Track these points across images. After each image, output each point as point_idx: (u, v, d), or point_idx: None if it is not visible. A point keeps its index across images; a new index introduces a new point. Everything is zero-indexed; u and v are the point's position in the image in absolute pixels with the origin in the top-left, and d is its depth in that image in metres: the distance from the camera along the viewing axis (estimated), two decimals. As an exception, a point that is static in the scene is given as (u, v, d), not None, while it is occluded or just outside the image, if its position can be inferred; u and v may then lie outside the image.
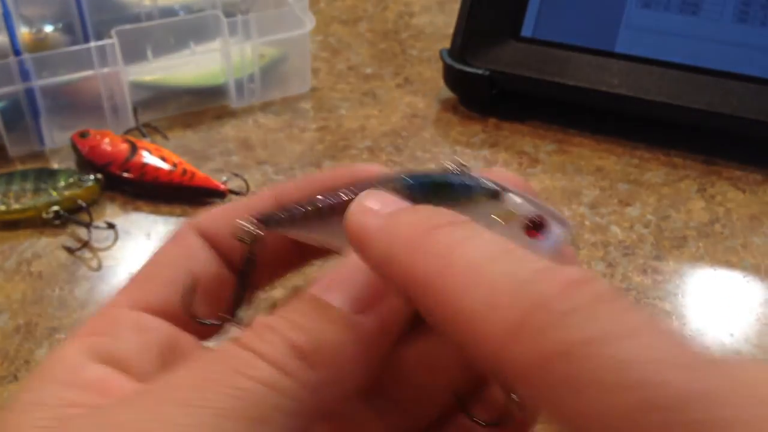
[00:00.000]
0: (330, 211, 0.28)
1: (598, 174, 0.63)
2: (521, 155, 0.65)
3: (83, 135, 0.62)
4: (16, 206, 0.58)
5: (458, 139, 0.67)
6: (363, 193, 0.25)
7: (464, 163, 0.28)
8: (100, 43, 0.63)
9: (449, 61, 0.68)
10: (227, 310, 0.29)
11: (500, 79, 0.67)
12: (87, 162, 0.61)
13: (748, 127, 0.61)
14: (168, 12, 0.73)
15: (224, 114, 0.70)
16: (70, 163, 0.63)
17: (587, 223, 0.58)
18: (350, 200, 0.26)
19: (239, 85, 0.70)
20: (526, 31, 0.67)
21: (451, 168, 0.28)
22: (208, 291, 0.29)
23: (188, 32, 0.68)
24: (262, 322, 0.24)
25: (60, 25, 0.70)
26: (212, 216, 0.30)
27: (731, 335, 0.49)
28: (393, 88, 0.74)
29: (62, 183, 0.59)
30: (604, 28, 0.66)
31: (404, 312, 0.25)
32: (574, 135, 0.67)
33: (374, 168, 0.29)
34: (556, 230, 0.27)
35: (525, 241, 0.26)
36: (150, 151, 0.61)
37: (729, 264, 0.54)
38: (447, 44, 0.70)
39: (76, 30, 0.69)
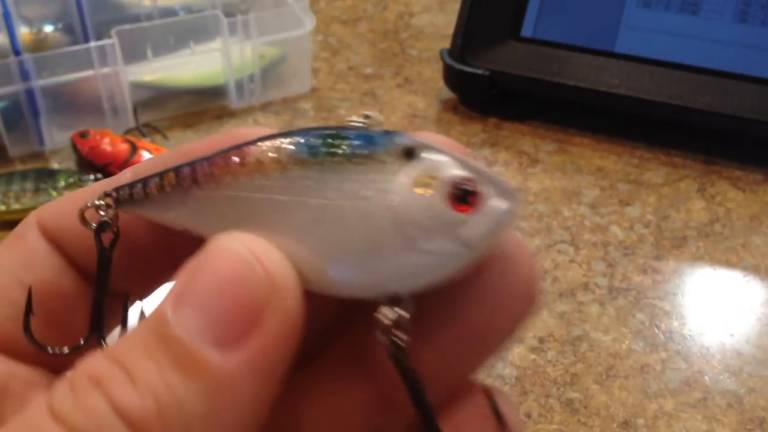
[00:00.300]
0: (193, 178, 0.21)
1: (598, 174, 0.63)
2: (521, 155, 0.65)
3: (83, 135, 0.62)
4: (16, 206, 0.58)
5: (458, 138, 0.67)
6: (225, 238, 0.19)
7: (371, 114, 0.22)
8: (100, 43, 0.63)
9: (449, 61, 0.68)
10: (90, 330, 0.23)
11: (500, 79, 0.67)
12: (87, 162, 0.61)
13: (748, 127, 0.61)
14: (168, 12, 0.73)
15: (224, 114, 0.70)
16: (70, 164, 0.63)
17: (587, 223, 0.58)
18: (219, 165, 0.21)
19: (239, 86, 0.70)
20: (526, 31, 0.67)
21: (355, 122, 0.22)
22: (57, 308, 0.23)
23: (188, 32, 0.68)
24: (84, 371, 0.18)
25: (60, 25, 0.70)
26: (58, 208, 0.24)
27: (731, 335, 0.49)
28: (393, 88, 0.73)
29: (62, 183, 0.59)
30: (603, 28, 0.66)
31: (290, 341, 0.19)
32: (574, 135, 0.67)
33: (259, 130, 0.23)
34: (494, 203, 0.20)
35: (449, 219, 0.20)
36: (150, 152, 0.61)
37: (729, 264, 0.54)
38: (447, 44, 0.70)
39: (76, 30, 0.69)
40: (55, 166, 0.63)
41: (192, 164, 0.22)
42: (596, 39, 0.65)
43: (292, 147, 0.21)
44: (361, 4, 0.88)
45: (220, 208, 0.21)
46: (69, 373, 0.18)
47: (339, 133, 0.21)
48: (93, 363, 0.18)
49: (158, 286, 0.25)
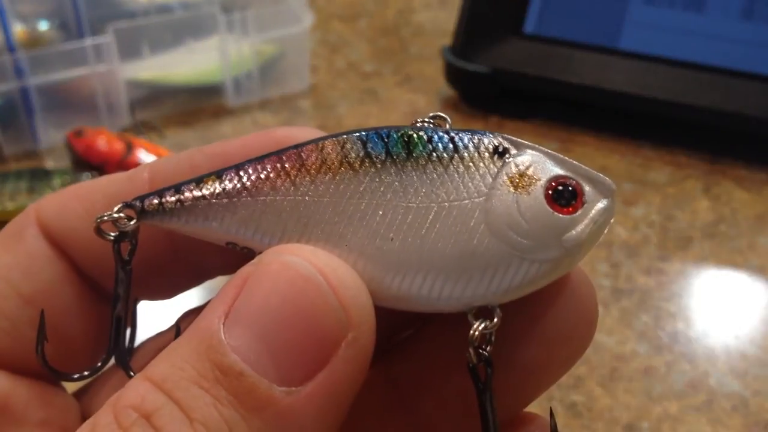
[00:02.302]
0: (242, 183, 0.19)
1: (602, 173, 0.62)
2: (523, 154, 0.64)
3: (78, 133, 0.62)
4: (10, 206, 0.57)
5: (459, 137, 0.66)
6: (276, 251, 0.17)
7: (441, 114, 0.20)
8: (95, 40, 0.63)
9: (450, 58, 0.68)
10: (110, 347, 0.20)
11: (502, 77, 0.66)
12: (82, 161, 0.61)
13: (753, 126, 0.61)
14: (164, 9, 0.72)
15: (221, 112, 0.69)
16: (65, 162, 0.63)
17: (590, 223, 0.57)
18: (275, 168, 0.18)
19: (237, 83, 0.69)
20: (529, 27, 0.67)
21: (424, 122, 0.20)
22: (57, 321, 0.21)
23: (185, 29, 0.67)
24: (131, 403, 0.16)
25: (55, 23, 0.69)
26: (61, 205, 0.21)
27: (736, 337, 0.48)
28: (393, 86, 0.73)
29: (57, 182, 0.58)
30: (607, 24, 0.65)
31: (360, 376, 0.17)
32: (578, 133, 0.66)
33: (306, 130, 0.21)
34: (595, 201, 0.19)
35: (553, 223, 0.18)
36: (146, 150, 0.61)
37: (734, 264, 0.53)
38: (448, 41, 0.69)
39: (72, 27, 0.69)
40: (50, 164, 0.63)
41: (238, 168, 0.19)
42: (600, 36, 0.65)
43: (364, 146, 0.18)
44: (361, 0, 0.87)
45: (278, 215, 0.19)
46: (112, 401, 0.16)
47: (418, 131, 0.19)
48: (138, 391, 0.16)
49: (169, 290, 0.23)
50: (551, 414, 0.21)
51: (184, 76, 0.69)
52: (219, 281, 0.24)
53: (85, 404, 0.24)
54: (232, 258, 0.19)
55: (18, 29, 0.66)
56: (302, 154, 0.19)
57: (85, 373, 0.21)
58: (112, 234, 0.20)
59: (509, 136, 0.19)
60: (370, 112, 0.69)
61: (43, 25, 0.68)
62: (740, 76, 0.61)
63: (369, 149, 0.19)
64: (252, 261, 0.18)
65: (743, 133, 0.62)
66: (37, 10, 0.68)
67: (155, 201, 0.19)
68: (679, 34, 0.63)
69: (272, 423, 0.16)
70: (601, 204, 0.19)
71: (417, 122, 0.20)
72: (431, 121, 0.20)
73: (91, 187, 0.21)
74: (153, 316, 0.25)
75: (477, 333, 0.19)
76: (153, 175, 0.21)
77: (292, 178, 0.19)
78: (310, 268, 0.17)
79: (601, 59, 0.64)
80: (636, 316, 0.49)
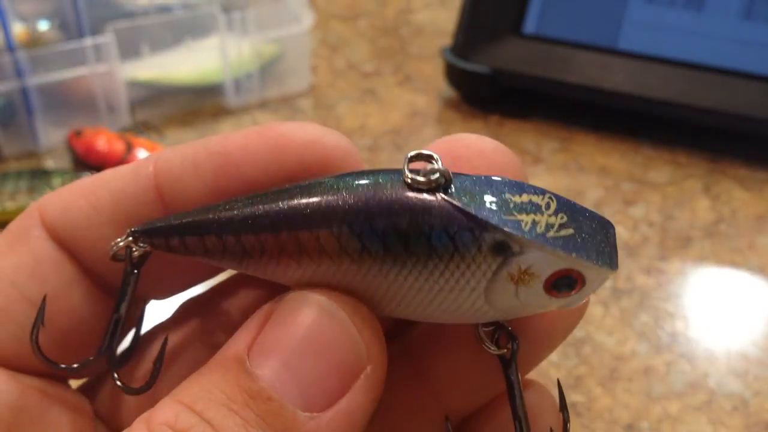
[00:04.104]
0: (243, 251, 0.19)
1: (601, 173, 0.62)
2: (524, 154, 0.64)
3: (78, 133, 0.62)
4: (10, 206, 0.57)
5: (459, 137, 0.66)
6: (290, 299, 0.18)
7: (429, 153, 0.19)
8: (95, 40, 0.63)
9: (450, 58, 0.67)
10: (104, 346, 0.21)
11: (502, 77, 0.66)
12: (82, 161, 0.61)
13: (753, 126, 0.60)
14: (164, 8, 0.72)
15: (221, 112, 0.69)
16: (65, 162, 0.63)
17: (590, 222, 0.57)
18: (272, 247, 0.19)
19: (237, 83, 0.69)
20: (529, 27, 0.66)
21: (412, 172, 0.19)
22: (66, 323, 0.21)
23: (185, 29, 0.67)
24: (165, 420, 0.17)
25: (55, 23, 0.69)
26: (65, 203, 0.21)
27: (736, 337, 0.48)
28: (393, 86, 0.73)
29: (57, 182, 0.58)
30: (607, 24, 0.65)
31: (376, 402, 0.19)
32: (578, 133, 0.66)
33: (306, 127, 0.21)
34: (595, 279, 0.19)
35: (547, 302, 0.19)
36: (146, 150, 0.61)
37: (735, 264, 0.53)
38: (448, 41, 0.69)
39: (72, 27, 0.68)
40: (50, 164, 0.63)
41: (237, 234, 0.19)
42: (599, 36, 0.65)
43: (360, 241, 0.19)
44: (361, 0, 0.87)
45: (284, 270, 0.19)
46: (144, 417, 0.17)
47: (415, 231, 0.18)
48: (172, 411, 0.17)
49: (177, 288, 0.23)
50: (559, 387, 0.23)
51: (184, 76, 0.69)
52: (226, 274, 0.24)
53: (97, 405, 0.24)
54: None
55: (18, 29, 0.66)
56: (300, 239, 0.19)
57: (75, 366, 0.21)
58: (125, 257, 0.20)
59: (508, 230, 0.18)
60: (370, 112, 0.69)
61: (43, 25, 0.68)
62: (740, 76, 0.61)
63: (366, 244, 0.19)
64: (275, 299, 0.19)
65: (743, 133, 0.62)
66: (37, 10, 0.68)
67: (163, 242, 0.20)
68: (679, 34, 0.63)
69: None
70: (601, 279, 0.19)
71: (407, 169, 0.19)
72: (420, 171, 0.19)
73: (96, 182, 0.21)
74: (150, 309, 0.25)
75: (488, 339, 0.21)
76: (158, 170, 0.21)
77: (296, 259, 0.19)
78: (334, 305, 0.18)
79: (600, 59, 0.64)
80: (636, 316, 0.49)
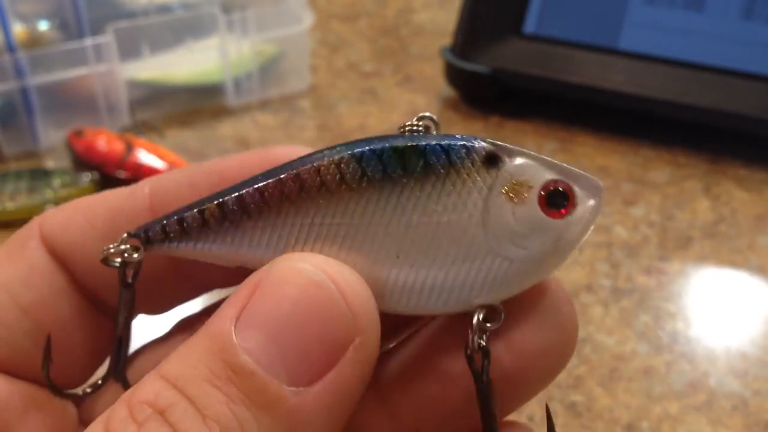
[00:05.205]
0: (243, 209, 0.19)
1: (601, 173, 0.62)
2: (523, 154, 0.64)
3: (78, 133, 0.62)
4: (10, 206, 0.57)
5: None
6: (282, 261, 0.18)
7: (427, 115, 0.20)
8: (95, 40, 0.63)
9: (450, 58, 0.67)
10: (110, 370, 0.21)
11: (502, 77, 0.66)
12: (82, 161, 0.61)
13: (753, 126, 0.60)
14: (164, 9, 0.72)
15: (221, 112, 0.69)
16: (65, 162, 0.63)
17: (590, 222, 0.57)
18: (274, 192, 0.19)
19: (237, 83, 0.69)
20: (529, 27, 0.67)
21: (413, 128, 0.20)
22: (53, 331, 0.21)
23: (185, 29, 0.67)
24: (146, 398, 0.16)
25: (55, 23, 0.69)
26: (64, 219, 0.22)
27: (736, 337, 0.48)
28: (393, 86, 0.73)
29: (57, 182, 0.58)
30: (607, 24, 0.65)
31: (365, 378, 0.18)
32: (578, 133, 0.66)
33: (296, 149, 0.21)
34: (585, 202, 0.20)
35: (547, 227, 0.19)
36: (146, 150, 0.61)
37: (734, 264, 0.53)
38: (448, 41, 0.69)
39: (72, 27, 0.69)
40: (50, 164, 0.63)
41: (238, 192, 0.19)
42: (600, 36, 0.65)
43: (360, 166, 0.19)
44: (361, 0, 0.87)
45: (282, 237, 0.19)
46: (125, 397, 0.17)
47: (411, 146, 0.19)
48: (153, 389, 0.17)
49: (168, 304, 0.23)
50: (547, 412, 0.22)
51: (184, 76, 0.69)
52: (218, 293, 0.24)
53: (81, 409, 0.24)
54: (232, 271, 0.19)
55: (18, 29, 0.66)
56: (301, 175, 0.19)
57: (88, 390, 0.22)
58: (118, 260, 0.20)
59: (497, 142, 0.19)
60: (370, 112, 0.69)
61: (43, 25, 0.68)
62: (740, 76, 0.61)
63: (365, 169, 0.19)
64: (263, 267, 0.18)
65: (743, 133, 0.62)
66: (37, 10, 0.68)
67: (159, 230, 0.20)
68: (679, 34, 0.63)
69: (281, 421, 0.17)
70: (591, 203, 0.19)
71: (405, 127, 0.20)
72: (419, 124, 0.20)
73: (94, 201, 0.22)
74: (146, 322, 0.25)
75: (476, 326, 0.19)
76: (154, 191, 0.22)
77: (293, 201, 0.19)
78: (322, 275, 0.18)
79: (600, 59, 0.64)
80: (636, 316, 0.49)
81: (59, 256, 0.22)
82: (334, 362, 0.17)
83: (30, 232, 0.22)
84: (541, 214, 0.19)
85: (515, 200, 0.19)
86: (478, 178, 0.19)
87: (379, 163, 0.19)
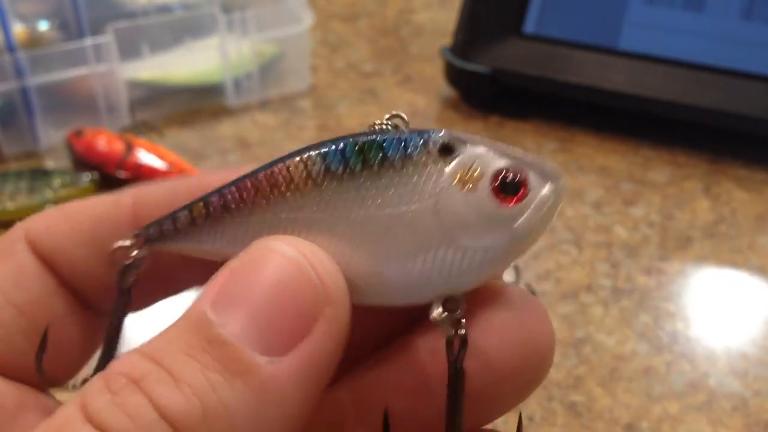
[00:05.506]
0: (224, 206, 0.20)
1: (601, 173, 0.62)
2: (523, 154, 0.64)
3: (78, 133, 0.62)
4: (10, 206, 0.57)
5: (459, 137, 0.66)
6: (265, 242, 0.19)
7: (398, 113, 0.21)
8: (95, 40, 0.63)
9: (450, 58, 0.67)
10: (99, 364, 0.22)
11: (502, 77, 0.66)
12: (82, 161, 0.61)
13: (753, 126, 0.60)
14: (164, 9, 0.72)
15: (221, 112, 0.69)
16: (65, 162, 0.63)
17: (591, 223, 0.57)
18: (249, 189, 0.20)
19: (237, 83, 0.69)
20: (529, 27, 0.66)
21: (382, 125, 0.21)
22: (50, 333, 0.22)
23: (185, 29, 0.67)
24: (121, 370, 0.17)
25: (55, 23, 0.69)
26: (48, 224, 0.22)
27: (736, 337, 0.48)
28: (393, 86, 0.73)
29: (57, 182, 0.58)
30: (607, 24, 0.65)
31: (338, 350, 0.19)
32: (578, 133, 0.66)
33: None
34: (540, 188, 0.19)
35: (499, 215, 0.19)
36: (146, 150, 0.61)
37: (734, 264, 0.53)
38: (448, 41, 0.69)
39: (72, 27, 0.68)
40: (50, 164, 0.63)
41: (220, 192, 0.21)
42: (600, 36, 0.65)
43: (324, 162, 0.20)
44: (361, 0, 0.87)
45: (259, 232, 0.20)
46: (101, 374, 0.18)
47: (370, 141, 0.20)
48: (129, 362, 0.17)
49: (145, 302, 0.24)
50: (519, 418, 0.22)
51: (184, 76, 0.69)
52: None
53: None
54: (208, 270, 0.20)
55: (18, 29, 0.66)
56: (273, 173, 0.20)
57: (78, 383, 0.22)
58: (125, 261, 0.22)
59: (458, 133, 0.20)
60: (370, 112, 0.69)
61: (43, 25, 0.68)
62: (740, 76, 0.61)
63: (328, 165, 0.20)
64: (240, 254, 0.19)
65: (743, 133, 0.62)
66: (37, 10, 0.68)
67: (157, 228, 0.21)
68: (679, 34, 0.63)
69: (255, 387, 0.17)
70: (545, 190, 0.19)
71: (375, 124, 0.21)
72: (389, 123, 0.21)
73: (77, 207, 0.23)
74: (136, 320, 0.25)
75: (443, 318, 0.20)
76: (136, 200, 0.23)
77: (267, 197, 0.20)
78: (293, 250, 0.19)
79: (600, 59, 0.64)
80: (636, 316, 0.49)
81: (46, 260, 0.22)
82: (305, 332, 0.18)
83: (15, 236, 0.22)
84: (493, 203, 0.19)
85: (467, 189, 0.19)
86: (432, 167, 0.20)
87: (341, 159, 0.20)
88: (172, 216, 0.21)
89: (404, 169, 0.20)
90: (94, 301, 0.23)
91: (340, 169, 0.20)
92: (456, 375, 0.20)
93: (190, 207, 0.21)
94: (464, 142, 0.20)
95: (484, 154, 0.20)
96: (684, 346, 0.47)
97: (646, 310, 0.50)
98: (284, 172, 0.20)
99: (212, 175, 0.22)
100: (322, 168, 0.20)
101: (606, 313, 0.49)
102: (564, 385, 0.45)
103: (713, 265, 0.53)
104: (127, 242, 0.21)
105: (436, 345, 0.20)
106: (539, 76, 0.65)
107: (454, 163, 0.20)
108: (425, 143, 0.20)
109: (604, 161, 0.63)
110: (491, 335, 0.20)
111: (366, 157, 0.20)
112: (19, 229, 0.23)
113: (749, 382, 0.45)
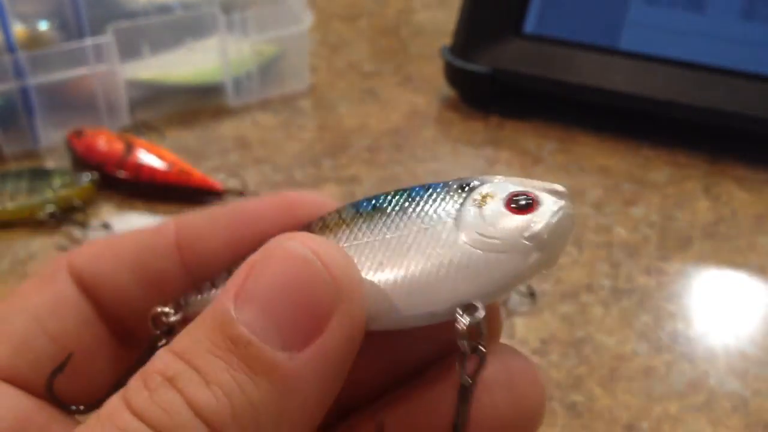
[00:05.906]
0: None
1: (601, 173, 0.62)
2: (523, 154, 0.64)
3: (79, 133, 0.62)
4: (10, 206, 0.57)
5: (459, 137, 0.66)
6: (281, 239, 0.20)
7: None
8: (95, 40, 0.63)
9: (450, 58, 0.67)
10: (108, 393, 0.22)
11: (502, 77, 0.66)
12: (82, 161, 0.61)
13: (753, 126, 0.60)
14: (164, 9, 0.72)
15: (221, 112, 0.69)
16: (65, 162, 0.63)
17: (591, 223, 0.57)
18: None
19: (237, 83, 0.69)
20: (529, 27, 0.67)
21: None
22: (77, 359, 0.23)
23: (185, 29, 0.67)
24: (157, 369, 0.18)
25: (55, 23, 0.69)
26: (93, 254, 0.24)
27: (736, 337, 0.48)
28: (393, 86, 0.73)
29: (57, 182, 0.58)
30: (608, 24, 0.65)
31: (353, 344, 0.20)
32: (578, 133, 0.66)
33: (312, 197, 0.25)
34: (549, 202, 0.21)
35: (512, 222, 0.21)
36: (146, 150, 0.61)
37: (734, 264, 0.53)
38: (448, 41, 0.69)
39: (72, 27, 0.69)
40: (50, 164, 0.63)
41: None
42: (600, 36, 0.65)
43: (355, 208, 0.23)
44: (361, 0, 0.87)
45: None
46: (141, 371, 0.19)
47: (398, 189, 0.23)
48: (163, 360, 0.19)
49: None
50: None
51: (184, 76, 0.69)
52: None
53: None
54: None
55: (18, 29, 0.66)
56: (309, 225, 0.23)
57: (81, 407, 0.23)
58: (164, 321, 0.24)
59: (472, 178, 0.23)
60: (370, 112, 0.69)
61: (43, 25, 0.68)
62: (740, 76, 0.61)
63: (358, 209, 0.23)
64: (259, 250, 0.20)
65: (743, 133, 0.62)
66: (37, 10, 0.68)
67: (194, 294, 0.23)
68: (680, 34, 0.63)
69: (278, 383, 0.18)
70: (555, 205, 0.21)
71: None
72: None
73: (122, 238, 0.24)
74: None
75: (465, 327, 0.21)
76: (178, 229, 0.24)
77: None
78: (306, 250, 0.19)
79: (601, 59, 0.64)
80: (636, 316, 0.49)
81: (87, 287, 0.24)
82: (321, 328, 0.19)
83: (58, 264, 0.24)
84: (506, 212, 0.21)
85: (482, 206, 0.22)
86: (450, 198, 0.22)
87: (370, 203, 0.23)
88: (211, 282, 0.23)
89: (427, 203, 0.22)
90: (133, 329, 0.24)
91: (369, 208, 0.23)
92: (465, 391, 0.20)
93: (218, 284, 0.23)
94: (481, 180, 0.22)
95: (500, 183, 0.22)
96: (684, 346, 0.47)
97: (647, 310, 0.50)
98: (318, 222, 0.23)
99: (251, 204, 0.24)
100: (352, 212, 0.23)
101: (606, 313, 0.49)
102: (564, 385, 0.45)
103: (713, 265, 0.53)
104: (167, 308, 0.23)
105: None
106: (539, 76, 0.65)
107: (473, 192, 0.22)
108: (445, 183, 0.22)
109: (604, 161, 0.63)
110: (481, 392, 0.21)
111: (393, 199, 0.23)
112: (62, 259, 0.24)
113: (749, 382, 0.45)
